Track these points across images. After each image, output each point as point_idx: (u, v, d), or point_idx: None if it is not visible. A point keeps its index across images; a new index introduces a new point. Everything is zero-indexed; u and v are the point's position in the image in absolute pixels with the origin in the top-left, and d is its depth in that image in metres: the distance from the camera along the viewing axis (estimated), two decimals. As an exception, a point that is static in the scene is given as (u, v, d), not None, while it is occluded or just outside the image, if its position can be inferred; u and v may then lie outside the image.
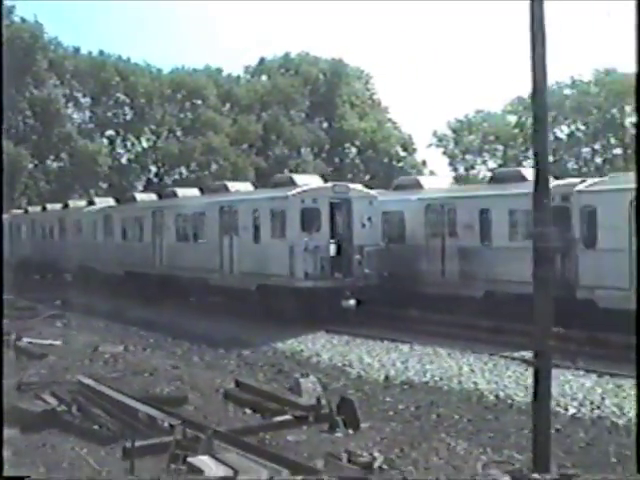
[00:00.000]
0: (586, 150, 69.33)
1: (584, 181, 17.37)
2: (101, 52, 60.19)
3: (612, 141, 68.37)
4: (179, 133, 62.73)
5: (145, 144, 63.19)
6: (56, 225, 31.92)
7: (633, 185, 15.89)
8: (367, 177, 65.17)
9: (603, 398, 11.12)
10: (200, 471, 7.65)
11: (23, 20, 52.79)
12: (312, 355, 15.31)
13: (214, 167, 61.64)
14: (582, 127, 69.89)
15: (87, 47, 68.51)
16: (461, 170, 74.90)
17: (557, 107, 70.75)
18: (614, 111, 66.71)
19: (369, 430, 9.62)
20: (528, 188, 17.29)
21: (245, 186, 22.49)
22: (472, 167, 74.81)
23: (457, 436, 9.35)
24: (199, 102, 62.74)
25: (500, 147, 75.39)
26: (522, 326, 16.09)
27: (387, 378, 13.07)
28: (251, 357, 15.36)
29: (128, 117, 60.88)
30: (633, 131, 66.86)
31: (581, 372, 12.74)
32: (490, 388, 12.05)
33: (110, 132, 61.12)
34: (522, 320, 16.34)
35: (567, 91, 70.86)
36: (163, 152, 60.59)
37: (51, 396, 11.40)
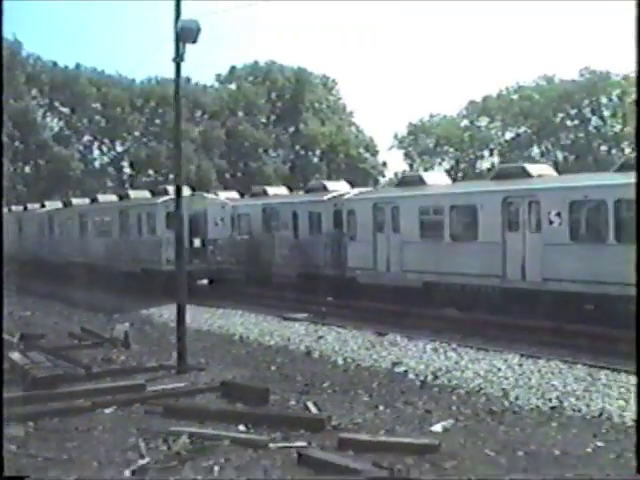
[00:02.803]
0: (536, 152, 74.84)
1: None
2: (77, 65, 66.96)
3: (550, 145, 73.92)
4: (151, 138, 69.03)
5: (119, 149, 69.76)
6: (16, 224, 38.56)
7: (375, 195, 22.47)
8: (338, 179, 70.95)
9: (302, 340, 17.43)
10: (11, 359, 14.22)
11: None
12: (157, 316, 21.90)
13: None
14: (529, 130, 75.02)
15: (71, 60, 75.30)
16: (421, 171, 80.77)
17: (504, 111, 76.75)
18: (561, 115, 72.20)
19: (136, 349, 16.19)
20: (325, 196, 23.81)
21: (143, 194, 29.11)
22: (432, 167, 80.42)
23: (195, 355, 15.64)
24: (168, 110, 68.64)
25: (451, 149, 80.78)
26: (311, 297, 22.70)
27: (188, 327, 19.45)
28: (116, 318, 21.89)
29: (102, 124, 67.46)
30: (576, 134, 72.73)
31: (317, 325, 18.93)
32: (245, 333, 18.53)
33: (88, 138, 67.88)
34: (316, 294, 22.94)
35: (514, 96, 76.34)
36: (133, 156, 67.07)
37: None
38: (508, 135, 77.15)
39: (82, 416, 10.86)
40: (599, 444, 9.56)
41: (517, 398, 11.90)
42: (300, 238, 24.26)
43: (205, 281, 24.87)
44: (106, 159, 68.66)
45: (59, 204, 36.97)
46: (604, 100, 71.27)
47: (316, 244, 23.32)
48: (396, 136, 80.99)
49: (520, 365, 13.69)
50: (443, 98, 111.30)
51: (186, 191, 27.01)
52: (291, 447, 9.18)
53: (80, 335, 17.99)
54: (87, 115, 65.86)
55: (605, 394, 11.82)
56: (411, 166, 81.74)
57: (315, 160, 78.93)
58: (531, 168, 18.92)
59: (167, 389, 12.25)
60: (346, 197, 22.56)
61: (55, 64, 65.41)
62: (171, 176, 66.96)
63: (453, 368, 13.79)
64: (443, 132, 79.32)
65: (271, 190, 28.01)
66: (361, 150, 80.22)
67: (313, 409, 10.97)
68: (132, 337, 17.45)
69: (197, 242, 25.01)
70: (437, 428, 10.16)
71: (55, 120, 66.83)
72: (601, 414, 10.95)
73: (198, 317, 21.18)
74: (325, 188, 24.38)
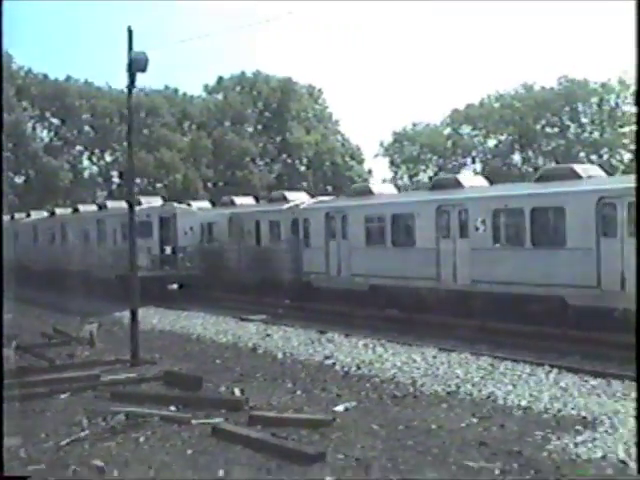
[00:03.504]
0: (517, 159, 76.38)
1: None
2: (68, 78, 68.81)
3: (531, 152, 75.44)
4: (137, 149, 70.64)
5: (109, 159, 71.54)
6: (4, 233, 40.29)
7: (327, 205, 24.27)
8: (325, 186, 72.52)
9: (252, 337, 19.18)
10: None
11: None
12: (126, 318, 23.46)
13: (170, 178, 69.70)
14: (510, 137, 76.47)
15: (62, 72, 77.10)
16: (405, 178, 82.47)
17: (486, 119, 78.33)
18: (543, 122, 73.76)
19: (100, 347, 17.95)
20: (283, 206, 25.56)
21: (120, 204, 30.90)
22: (416, 175, 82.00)
23: (152, 351, 17.38)
24: (155, 120, 70.54)
25: (435, 157, 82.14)
26: (271, 300, 24.41)
27: (153, 328, 21.35)
28: (89, 320, 23.59)
29: (92, 135, 69.26)
30: (556, 141, 74.32)
31: (268, 325, 20.72)
32: (203, 332, 20.28)
33: (78, 148, 69.71)
34: (275, 297, 24.64)
35: (495, 104, 77.88)
36: (121, 166, 68.79)
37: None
38: (490, 142, 78.53)
39: (40, 401, 12.62)
40: (474, 420, 11.30)
41: (422, 385, 13.64)
42: (262, 245, 26.09)
43: (175, 286, 26.67)
44: (95, 169, 70.43)
45: (44, 214, 38.72)
46: (582, 108, 72.86)
47: (276, 251, 25.11)
48: (382, 144, 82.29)
49: (434, 357, 15.47)
50: (428, 106, 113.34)
51: (159, 201, 29.00)
52: (209, 423, 10.93)
53: (51, 335, 19.74)
54: (77, 126, 67.65)
55: (498, 381, 13.59)
56: (396, 173, 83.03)
57: (302, 169, 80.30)
58: (463, 179, 20.77)
59: (118, 379, 13.99)
60: (302, 207, 24.39)
61: (46, 76, 67.23)
62: (158, 185, 69.43)
63: (376, 360, 15.55)
64: (427, 140, 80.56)
65: (238, 200, 29.87)
66: (347, 158, 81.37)
67: (238, 393, 12.73)
68: (100, 337, 19.24)
69: (168, 249, 26.80)
70: (339, 408, 11.91)
71: (45, 131, 68.67)
72: (489, 397, 12.69)
73: (164, 319, 22.98)
74: (285, 198, 26.26)
